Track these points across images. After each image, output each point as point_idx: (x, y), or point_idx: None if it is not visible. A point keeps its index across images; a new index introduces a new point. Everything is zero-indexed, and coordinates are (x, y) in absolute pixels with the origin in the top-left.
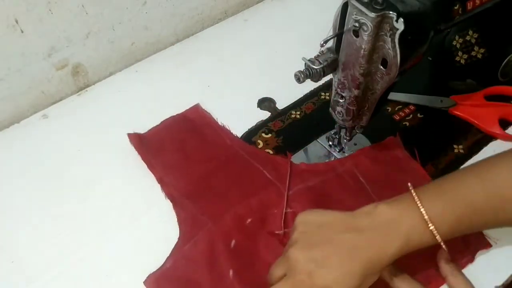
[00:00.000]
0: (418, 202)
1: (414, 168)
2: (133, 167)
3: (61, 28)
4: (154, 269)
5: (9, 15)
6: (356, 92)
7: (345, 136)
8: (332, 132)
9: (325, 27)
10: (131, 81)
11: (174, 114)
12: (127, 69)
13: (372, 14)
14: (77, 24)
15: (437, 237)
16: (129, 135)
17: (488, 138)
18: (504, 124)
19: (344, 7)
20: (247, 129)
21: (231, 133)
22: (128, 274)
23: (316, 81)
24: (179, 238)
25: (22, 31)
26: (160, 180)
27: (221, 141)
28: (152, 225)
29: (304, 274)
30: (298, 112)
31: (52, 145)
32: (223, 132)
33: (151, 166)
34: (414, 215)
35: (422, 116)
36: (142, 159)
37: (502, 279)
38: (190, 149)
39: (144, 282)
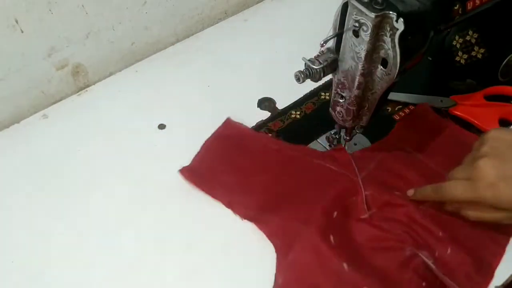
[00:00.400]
0: None
1: (450, 128)
2: (133, 167)
3: (61, 28)
4: (154, 269)
5: (9, 15)
6: (356, 92)
7: (345, 136)
8: (332, 132)
9: (325, 27)
10: (131, 81)
11: (174, 114)
12: (127, 69)
13: (372, 14)
14: (77, 24)
15: None
16: (181, 171)
17: None
18: (504, 124)
19: (344, 7)
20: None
21: (270, 137)
22: (128, 274)
23: (316, 81)
24: (276, 253)
25: (22, 31)
26: (229, 205)
27: (267, 148)
28: (152, 225)
29: (489, 184)
30: (298, 112)
31: (52, 145)
32: (263, 138)
33: (214, 195)
34: None
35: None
36: (202, 190)
37: (502, 279)
38: (242, 166)
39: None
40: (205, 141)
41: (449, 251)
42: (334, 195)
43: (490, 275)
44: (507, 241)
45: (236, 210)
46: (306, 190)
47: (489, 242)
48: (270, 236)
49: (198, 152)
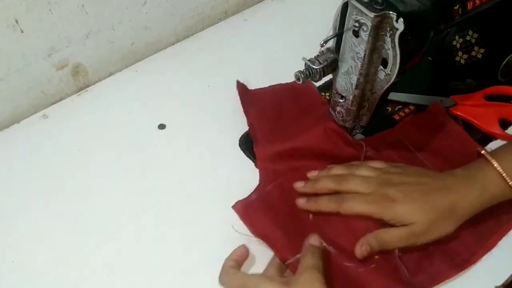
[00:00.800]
0: (489, 157)
1: (458, 132)
2: (133, 167)
3: (61, 28)
4: (154, 269)
5: (9, 15)
6: (356, 92)
7: None
8: None
9: (325, 27)
10: (131, 81)
11: (174, 114)
12: (127, 69)
13: (372, 14)
14: (77, 24)
15: (510, 183)
16: (238, 81)
17: (488, 138)
18: (504, 124)
19: (344, 7)
20: (247, 129)
21: (328, 111)
22: (128, 274)
23: (316, 81)
24: (259, 182)
25: (22, 31)
26: (250, 124)
27: (316, 110)
28: (152, 225)
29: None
30: None
31: (52, 145)
32: (323, 107)
33: (246, 112)
34: (489, 169)
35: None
36: (241, 103)
37: (502, 279)
38: (286, 112)
39: (232, 207)
40: (277, 84)
41: None
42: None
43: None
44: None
45: (250, 130)
46: (314, 147)
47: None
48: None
49: (264, 87)
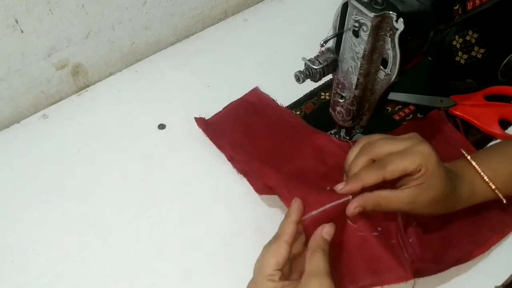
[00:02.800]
0: (469, 158)
1: (459, 140)
2: (133, 167)
3: (61, 28)
4: (154, 269)
5: (9, 15)
6: (356, 92)
7: (345, 136)
8: (332, 132)
9: (325, 27)
10: (131, 81)
11: (174, 114)
12: (127, 69)
13: (372, 14)
14: (77, 24)
15: (490, 184)
16: (196, 119)
17: (488, 138)
18: (504, 124)
19: (344, 7)
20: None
21: (292, 112)
22: (128, 274)
23: (316, 81)
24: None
25: (22, 31)
26: (230, 159)
27: (283, 119)
28: (152, 225)
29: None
30: (298, 112)
31: (52, 145)
32: (283, 111)
33: (219, 147)
34: (470, 171)
35: (422, 116)
36: (211, 140)
37: (502, 279)
38: (255, 129)
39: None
40: (229, 103)
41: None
42: (331, 166)
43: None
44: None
45: (235, 165)
46: (304, 151)
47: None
48: (259, 191)
49: (219, 111)
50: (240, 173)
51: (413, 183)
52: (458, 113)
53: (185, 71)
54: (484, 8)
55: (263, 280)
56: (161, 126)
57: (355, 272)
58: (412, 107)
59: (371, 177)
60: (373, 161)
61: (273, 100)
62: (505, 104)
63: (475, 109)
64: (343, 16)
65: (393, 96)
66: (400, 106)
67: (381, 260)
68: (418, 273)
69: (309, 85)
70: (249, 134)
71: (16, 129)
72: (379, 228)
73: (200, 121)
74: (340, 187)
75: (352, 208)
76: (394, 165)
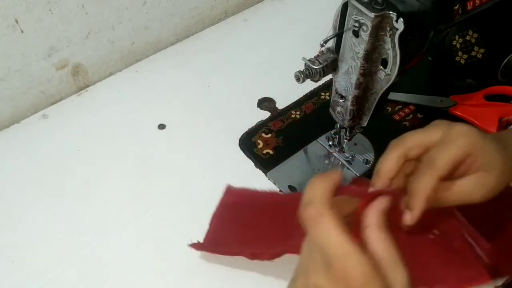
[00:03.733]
0: None
1: None
2: (133, 167)
3: (61, 28)
4: (153, 269)
5: (9, 15)
6: (356, 92)
7: (345, 136)
8: (332, 132)
9: (325, 27)
10: (131, 81)
11: (174, 114)
12: (127, 69)
13: (372, 14)
14: (77, 24)
15: None
16: (193, 245)
17: None
18: (504, 123)
19: (344, 7)
20: (247, 129)
21: (275, 192)
22: (128, 274)
23: (316, 81)
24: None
25: (22, 31)
26: (253, 256)
27: (272, 200)
28: (152, 225)
29: None
30: (298, 112)
31: (52, 145)
32: (269, 194)
33: (235, 254)
34: None
35: (422, 116)
36: (222, 254)
37: (502, 279)
38: (256, 221)
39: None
40: (212, 216)
41: None
42: None
43: None
44: None
45: (263, 257)
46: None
47: None
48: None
49: (208, 230)
50: (275, 258)
51: (471, 170)
52: (458, 113)
53: (185, 71)
54: (484, 8)
55: None
56: (161, 126)
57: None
58: (412, 107)
59: (428, 182)
60: (405, 157)
61: (250, 189)
62: (505, 104)
63: (475, 109)
64: (343, 16)
65: (393, 96)
66: (400, 106)
67: (448, 264)
68: (496, 272)
69: (309, 85)
70: (252, 227)
71: (16, 129)
72: (435, 231)
73: (199, 246)
74: (408, 219)
75: (411, 217)
76: (442, 157)
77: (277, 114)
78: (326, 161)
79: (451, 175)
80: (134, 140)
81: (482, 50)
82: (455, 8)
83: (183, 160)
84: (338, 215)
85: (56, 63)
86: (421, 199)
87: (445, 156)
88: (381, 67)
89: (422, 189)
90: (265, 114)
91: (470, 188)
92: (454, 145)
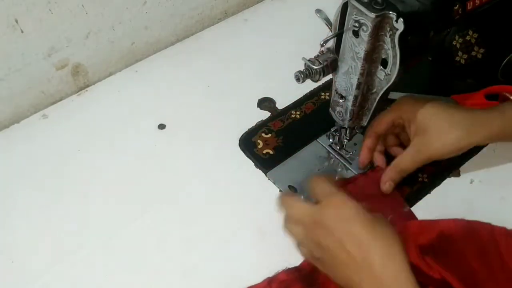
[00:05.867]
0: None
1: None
2: (133, 167)
3: (61, 28)
4: (153, 269)
5: (9, 15)
6: (356, 92)
7: (345, 136)
8: (333, 130)
9: (325, 27)
10: (131, 81)
11: (174, 114)
12: (127, 69)
13: (372, 14)
14: (77, 24)
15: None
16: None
17: None
18: None
19: (344, 7)
20: (247, 129)
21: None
22: (128, 274)
23: (316, 81)
24: None
25: (22, 31)
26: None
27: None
28: (152, 225)
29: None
30: (298, 112)
31: (52, 145)
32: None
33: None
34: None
35: None
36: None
37: None
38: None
39: None
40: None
41: None
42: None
43: None
44: None
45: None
46: None
47: None
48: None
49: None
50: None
51: (411, 134)
52: None
53: (185, 71)
54: (484, 8)
55: None
56: (161, 126)
57: None
58: None
59: (368, 140)
60: (377, 134)
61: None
62: None
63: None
64: (343, 16)
65: (393, 95)
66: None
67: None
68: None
69: (309, 85)
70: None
71: (16, 129)
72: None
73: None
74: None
75: (383, 185)
76: (377, 120)
77: (277, 114)
78: (326, 161)
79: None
80: (134, 140)
81: (482, 50)
82: (455, 8)
83: (183, 160)
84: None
85: (56, 63)
86: (364, 151)
87: (378, 119)
88: (381, 67)
89: (365, 144)
90: (265, 114)
91: (405, 154)
92: (388, 110)
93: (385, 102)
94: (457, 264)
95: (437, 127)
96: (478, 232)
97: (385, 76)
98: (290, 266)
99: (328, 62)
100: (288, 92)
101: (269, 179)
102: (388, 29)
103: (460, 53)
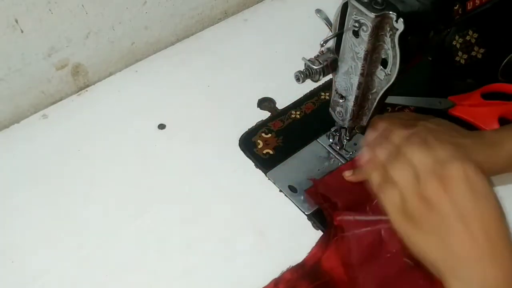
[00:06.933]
0: None
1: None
2: (133, 168)
3: (61, 28)
4: (153, 269)
5: (9, 15)
6: (356, 92)
7: (345, 136)
8: (333, 130)
9: (325, 27)
10: (131, 81)
11: (174, 114)
12: (127, 69)
13: (372, 14)
14: (77, 24)
15: None
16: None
17: None
18: (504, 122)
19: (344, 7)
20: (247, 129)
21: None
22: (128, 274)
23: (316, 81)
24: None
25: (22, 31)
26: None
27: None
28: (152, 225)
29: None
30: (298, 112)
31: (52, 145)
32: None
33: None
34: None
35: None
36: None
37: None
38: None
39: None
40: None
41: None
42: None
43: None
44: None
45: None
46: None
47: None
48: None
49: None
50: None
51: None
52: (457, 114)
53: (185, 71)
54: (484, 8)
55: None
56: (161, 126)
57: None
58: (412, 108)
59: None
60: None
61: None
62: (504, 102)
63: (474, 109)
64: (343, 16)
65: (390, 100)
66: (400, 106)
67: None
68: None
69: (309, 85)
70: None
71: (16, 129)
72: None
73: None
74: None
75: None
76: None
77: (277, 114)
78: (326, 161)
79: None
80: (134, 140)
81: (482, 50)
82: (455, 8)
83: (183, 160)
84: None
85: (56, 63)
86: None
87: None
88: (381, 67)
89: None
90: (265, 114)
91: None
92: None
93: (385, 102)
94: None
95: None
96: None
97: (385, 76)
98: (293, 265)
99: (328, 62)
100: (288, 92)
101: (269, 179)
102: (388, 29)
103: (460, 53)
